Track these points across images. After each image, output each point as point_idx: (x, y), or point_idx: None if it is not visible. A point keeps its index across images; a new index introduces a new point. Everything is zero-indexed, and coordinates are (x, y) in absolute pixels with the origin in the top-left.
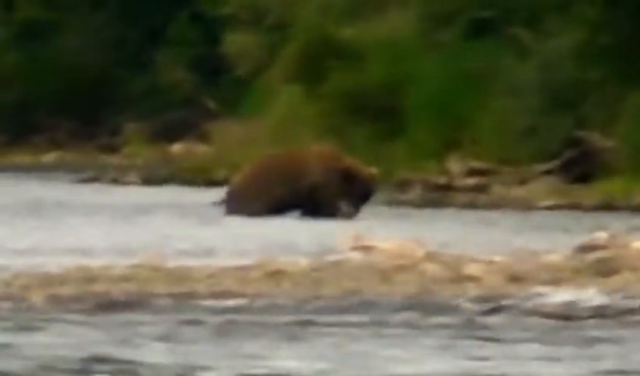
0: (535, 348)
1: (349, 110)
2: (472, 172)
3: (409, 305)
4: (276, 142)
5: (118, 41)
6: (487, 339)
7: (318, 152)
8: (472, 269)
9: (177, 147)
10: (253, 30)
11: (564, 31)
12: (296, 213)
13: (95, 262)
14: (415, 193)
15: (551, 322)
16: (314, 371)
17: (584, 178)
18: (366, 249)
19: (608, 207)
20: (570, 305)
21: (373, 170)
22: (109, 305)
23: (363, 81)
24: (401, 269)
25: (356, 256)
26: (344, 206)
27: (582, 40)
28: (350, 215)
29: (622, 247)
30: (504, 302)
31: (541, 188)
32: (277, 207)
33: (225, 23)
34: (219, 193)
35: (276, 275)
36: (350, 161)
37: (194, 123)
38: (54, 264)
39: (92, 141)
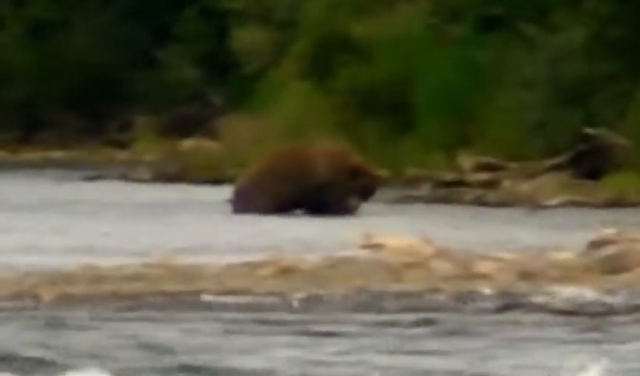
0: (545, 345)
1: (359, 106)
2: (482, 168)
3: (419, 302)
4: (286, 139)
5: (127, 37)
6: (496, 337)
7: (323, 148)
8: (482, 267)
9: (186, 144)
10: (262, 25)
11: (574, 26)
12: (305, 210)
13: (104, 261)
14: (424, 189)
15: (562, 319)
16: (323, 371)
17: (593, 174)
18: (376, 246)
19: (618, 203)
20: (581, 301)
21: (380, 171)
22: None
23: (373, 77)
24: (411, 266)
25: (366, 253)
26: (350, 202)
27: (592, 34)
28: (355, 211)
29: (632, 243)
30: (515, 300)
31: (550, 184)
32: (284, 205)
33: (234, 18)
34: (228, 191)
35: (286, 272)
36: (356, 157)
37: (203, 119)
38: (64, 263)
39: (101, 138)
